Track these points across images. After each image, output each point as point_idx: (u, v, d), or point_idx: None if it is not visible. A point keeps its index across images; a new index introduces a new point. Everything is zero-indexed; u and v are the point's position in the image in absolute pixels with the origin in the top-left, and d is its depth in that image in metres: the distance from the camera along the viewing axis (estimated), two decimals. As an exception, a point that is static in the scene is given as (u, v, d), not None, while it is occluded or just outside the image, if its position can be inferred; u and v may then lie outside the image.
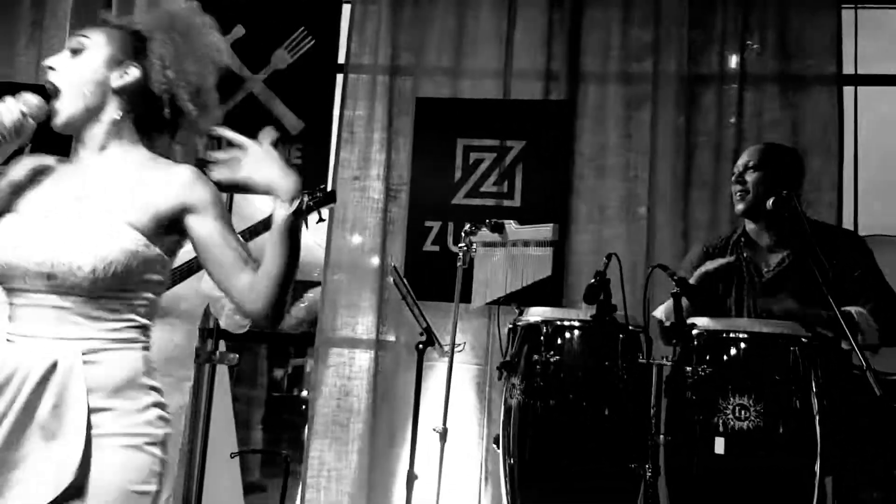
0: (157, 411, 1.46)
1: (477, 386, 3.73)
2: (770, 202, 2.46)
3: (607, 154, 3.82)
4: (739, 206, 2.68)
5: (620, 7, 3.89)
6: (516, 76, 3.93)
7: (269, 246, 1.48)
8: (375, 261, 3.90)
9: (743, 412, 2.17)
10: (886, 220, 3.60)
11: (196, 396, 3.69)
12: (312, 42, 4.04)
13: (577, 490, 2.39)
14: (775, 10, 3.77)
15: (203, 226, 1.49)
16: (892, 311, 2.45)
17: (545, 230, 2.79)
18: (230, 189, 4.19)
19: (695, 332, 2.33)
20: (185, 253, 2.62)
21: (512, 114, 3.88)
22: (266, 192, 1.49)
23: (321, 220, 2.59)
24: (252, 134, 1.53)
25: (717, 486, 2.23)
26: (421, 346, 3.07)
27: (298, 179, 1.48)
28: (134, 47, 1.54)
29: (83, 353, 1.40)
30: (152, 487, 1.41)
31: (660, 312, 2.65)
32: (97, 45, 1.52)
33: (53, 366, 1.38)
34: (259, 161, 1.49)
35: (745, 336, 2.29)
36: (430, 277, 3.64)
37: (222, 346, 4.12)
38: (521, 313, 2.62)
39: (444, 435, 2.81)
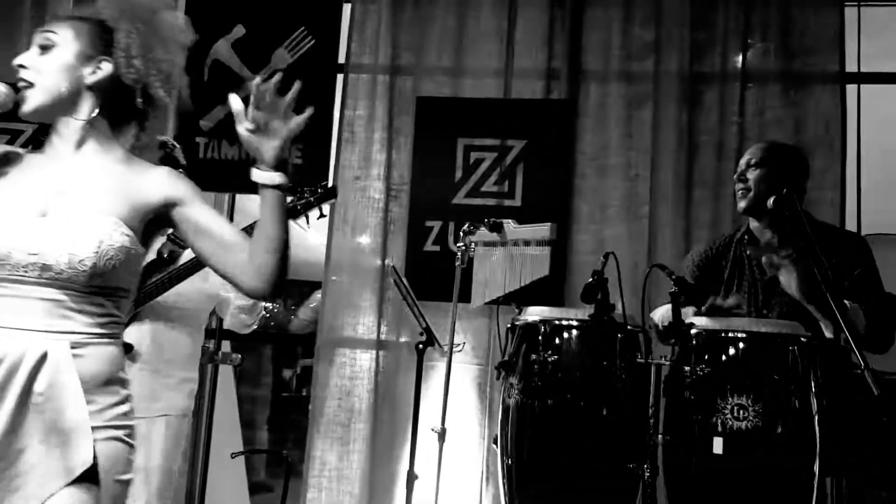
0: (130, 404, 1.52)
1: (478, 386, 3.72)
2: (771, 201, 2.44)
3: (609, 153, 3.80)
4: (741, 204, 2.67)
5: (621, 6, 3.87)
6: (517, 75, 3.92)
7: (261, 220, 1.53)
8: (376, 261, 3.90)
9: (741, 412, 2.16)
10: (889, 219, 3.57)
11: (199, 396, 3.70)
12: (312, 42, 4.04)
13: (575, 490, 2.37)
14: (777, 8, 3.75)
15: (196, 212, 1.56)
16: (881, 316, 2.44)
17: (543, 229, 2.78)
18: (230, 189, 4.19)
19: (693, 331, 2.32)
20: (185, 253, 2.63)
21: (513, 113, 3.86)
22: (254, 154, 1.52)
23: (322, 215, 2.60)
24: None
25: (716, 486, 2.21)
26: (421, 346, 3.07)
27: (284, 154, 1.53)
28: (103, 40, 1.55)
29: (71, 347, 1.42)
30: (130, 476, 1.49)
31: (656, 316, 2.63)
32: (65, 40, 1.53)
33: (43, 357, 1.40)
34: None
35: (744, 336, 2.27)
36: (431, 277, 3.64)
37: (226, 346, 4.12)
38: (520, 313, 2.62)
39: (442, 435, 2.81)
